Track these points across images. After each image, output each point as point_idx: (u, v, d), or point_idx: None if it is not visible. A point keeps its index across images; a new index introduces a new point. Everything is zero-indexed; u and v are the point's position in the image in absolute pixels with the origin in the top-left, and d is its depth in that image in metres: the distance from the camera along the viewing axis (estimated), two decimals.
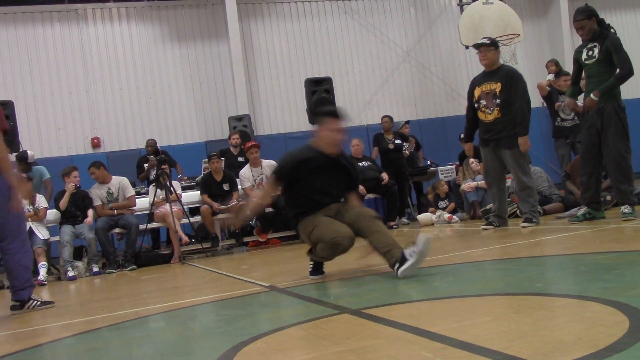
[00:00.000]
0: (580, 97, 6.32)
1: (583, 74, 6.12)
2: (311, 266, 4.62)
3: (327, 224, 4.30)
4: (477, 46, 6.76)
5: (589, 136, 5.92)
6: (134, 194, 8.75)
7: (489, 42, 6.70)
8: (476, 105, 6.67)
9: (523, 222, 6.52)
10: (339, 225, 4.26)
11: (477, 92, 6.68)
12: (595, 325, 2.22)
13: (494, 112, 6.51)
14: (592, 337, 2.07)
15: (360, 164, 9.59)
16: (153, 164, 8.97)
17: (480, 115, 6.66)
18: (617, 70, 5.77)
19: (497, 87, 6.51)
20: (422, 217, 9.15)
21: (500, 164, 6.68)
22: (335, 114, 4.52)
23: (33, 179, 8.67)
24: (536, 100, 9.25)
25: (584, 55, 5.98)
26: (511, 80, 6.44)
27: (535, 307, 2.70)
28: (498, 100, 6.49)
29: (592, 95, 5.76)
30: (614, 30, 6.00)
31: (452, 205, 9.20)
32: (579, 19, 5.95)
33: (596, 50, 5.86)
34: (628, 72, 5.74)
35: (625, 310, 2.34)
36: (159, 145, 12.87)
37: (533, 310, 2.62)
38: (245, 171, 9.23)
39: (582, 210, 6.14)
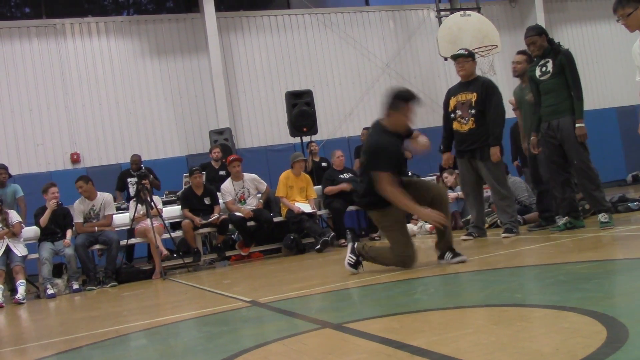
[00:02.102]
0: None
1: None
2: (352, 260, 5.05)
3: (401, 238, 4.95)
4: (455, 57, 6.80)
5: (551, 148, 6.06)
6: (114, 212, 8.65)
7: (466, 53, 6.78)
8: (452, 115, 6.73)
9: (504, 232, 6.55)
10: (410, 243, 4.98)
11: (452, 102, 6.74)
12: (573, 336, 2.24)
13: (469, 123, 6.57)
14: (570, 348, 2.09)
15: (342, 176, 9.63)
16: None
17: (456, 126, 6.70)
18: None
19: (472, 97, 6.56)
20: None
21: (476, 175, 6.72)
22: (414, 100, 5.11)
23: (6, 196, 8.60)
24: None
25: (537, 72, 6.13)
26: (487, 91, 6.51)
27: (515, 318, 2.72)
28: (473, 111, 6.54)
29: (577, 125, 5.82)
30: (564, 47, 6.18)
31: None
32: (530, 35, 6.17)
33: (549, 66, 6.02)
34: (580, 89, 5.90)
35: (602, 320, 2.37)
36: (142, 159, 12.84)
37: (512, 322, 2.64)
38: (227, 185, 9.22)
39: (562, 220, 6.21)
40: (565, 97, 5.94)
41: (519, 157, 9.34)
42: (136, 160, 10.48)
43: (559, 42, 6.18)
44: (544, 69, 6.06)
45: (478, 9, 14.71)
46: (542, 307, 2.88)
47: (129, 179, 10.19)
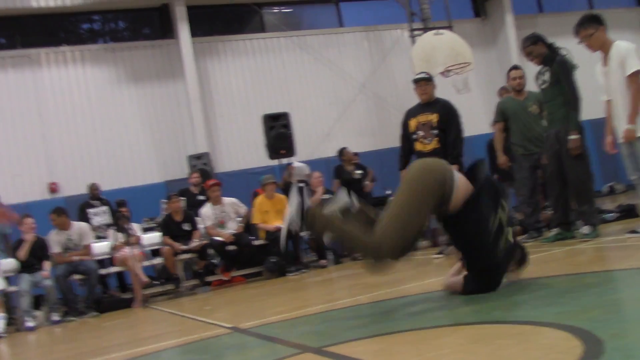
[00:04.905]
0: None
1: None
2: None
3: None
4: (417, 80, 6.88)
5: (552, 159, 6.12)
6: (91, 242, 8.57)
7: (428, 76, 6.91)
8: (414, 136, 6.77)
9: None
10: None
11: (412, 123, 6.79)
12: (550, 352, 2.27)
13: (433, 142, 6.63)
14: None
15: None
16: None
17: (418, 146, 6.74)
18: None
19: (433, 117, 6.64)
20: None
21: None
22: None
23: None
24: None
25: (539, 81, 6.18)
26: (448, 112, 6.65)
27: (493, 336, 2.74)
28: (436, 131, 6.62)
29: (571, 137, 5.89)
30: (567, 51, 6.15)
31: None
32: (526, 45, 6.21)
33: (547, 75, 6.05)
34: (576, 99, 5.96)
35: (579, 335, 2.40)
36: (120, 186, 12.74)
37: (491, 340, 2.66)
38: (207, 210, 9.18)
39: (553, 231, 6.28)
40: (560, 105, 5.97)
41: (496, 172, 9.41)
42: (96, 188, 10.41)
43: (557, 48, 6.12)
44: (544, 77, 6.11)
45: (450, 28, 14.90)
46: (520, 324, 2.91)
47: (88, 210, 10.06)
